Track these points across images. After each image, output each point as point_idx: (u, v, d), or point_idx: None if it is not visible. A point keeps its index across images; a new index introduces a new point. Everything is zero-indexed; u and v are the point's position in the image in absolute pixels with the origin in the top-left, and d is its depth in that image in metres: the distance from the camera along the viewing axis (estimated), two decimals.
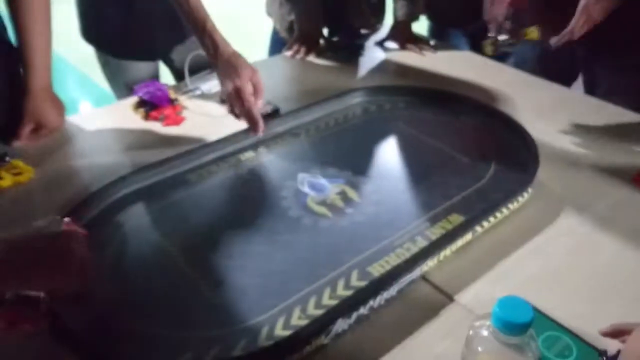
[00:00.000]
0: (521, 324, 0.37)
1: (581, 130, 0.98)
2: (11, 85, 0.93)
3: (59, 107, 0.96)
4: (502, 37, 1.02)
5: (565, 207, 0.79)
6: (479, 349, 0.40)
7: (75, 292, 0.54)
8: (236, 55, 0.92)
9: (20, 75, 0.93)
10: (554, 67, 1.16)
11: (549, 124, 0.99)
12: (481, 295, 0.64)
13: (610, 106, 1.04)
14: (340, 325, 0.58)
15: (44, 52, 0.91)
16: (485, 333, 0.39)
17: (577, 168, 0.87)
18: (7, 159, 0.84)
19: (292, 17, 1.33)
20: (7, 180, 0.81)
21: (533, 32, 0.99)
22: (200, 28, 0.92)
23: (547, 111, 1.04)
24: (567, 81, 1.20)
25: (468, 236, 0.71)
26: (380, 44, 1.35)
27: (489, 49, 1.00)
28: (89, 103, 2.67)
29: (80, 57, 1.32)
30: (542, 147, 0.88)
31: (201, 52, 0.96)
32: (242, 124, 0.93)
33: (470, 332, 0.41)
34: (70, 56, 2.73)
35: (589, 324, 0.59)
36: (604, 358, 0.46)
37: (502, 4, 1.00)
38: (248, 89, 0.89)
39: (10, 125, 0.92)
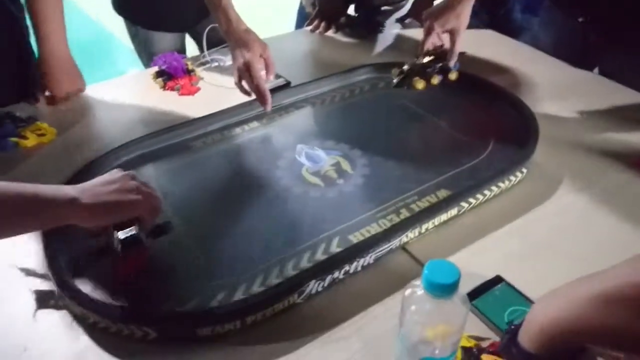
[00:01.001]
0: (446, 285, 0.39)
1: (591, 112, 0.96)
2: (18, 52, 0.99)
3: (74, 76, 1.01)
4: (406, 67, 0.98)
5: (560, 188, 0.79)
6: (412, 307, 0.42)
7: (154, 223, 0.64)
8: (248, 32, 0.95)
9: (27, 43, 0.99)
10: (568, 56, 1.13)
11: (559, 105, 0.98)
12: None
13: (627, 90, 1.01)
14: (314, 286, 0.61)
15: (54, 22, 0.96)
16: (420, 292, 0.42)
17: (579, 150, 0.86)
18: (34, 121, 0.92)
19: None
20: (32, 140, 0.88)
21: (419, 83, 0.96)
22: (216, 4, 0.96)
23: (560, 92, 1.02)
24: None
25: (453, 211, 0.72)
26: (401, 21, 1.34)
27: (420, 84, 0.95)
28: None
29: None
30: (547, 128, 0.87)
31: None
32: (252, 96, 0.96)
33: (407, 292, 0.43)
34: (118, 32, 2.85)
35: None
36: (511, 327, 0.47)
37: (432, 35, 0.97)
38: (257, 63, 0.92)
39: (21, 90, 0.99)
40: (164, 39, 1.33)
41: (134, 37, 1.36)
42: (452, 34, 0.97)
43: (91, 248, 0.64)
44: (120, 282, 0.62)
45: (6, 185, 0.53)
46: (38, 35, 0.95)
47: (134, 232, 0.60)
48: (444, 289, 0.40)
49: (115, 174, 0.62)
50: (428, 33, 0.97)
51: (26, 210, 0.54)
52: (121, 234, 0.60)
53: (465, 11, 0.96)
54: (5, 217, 0.52)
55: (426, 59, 0.98)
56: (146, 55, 1.35)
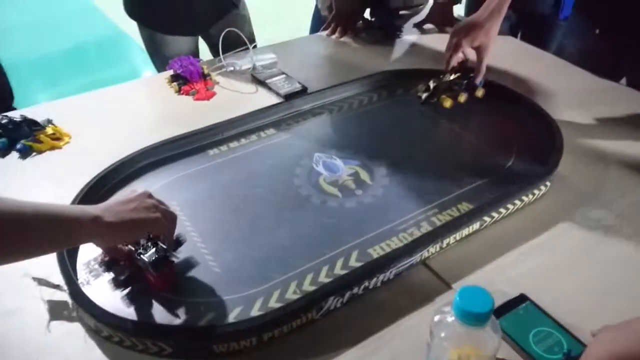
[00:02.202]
0: (480, 313, 0.37)
1: (617, 124, 0.94)
2: None
3: None
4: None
5: (584, 202, 0.76)
6: (442, 334, 0.41)
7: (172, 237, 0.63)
8: None
9: None
10: (594, 65, 1.10)
11: (584, 116, 0.95)
12: (479, 285, 0.64)
13: None
14: (332, 302, 0.60)
15: None
16: (449, 319, 0.40)
17: (605, 163, 0.84)
18: (50, 124, 0.91)
19: None
20: (47, 144, 0.87)
21: (446, 100, 0.93)
22: None
23: (584, 102, 1.00)
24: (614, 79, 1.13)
25: (475, 225, 0.70)
26: (419, 25, 1.32)
27: (446, 102, 0.93)
28: (150, 74, 2.79)
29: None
30: (571, 140, 0.85)
31: (235, 29, 0.98)
32: (268, 102, 0.95)
33: (436, 318, 0.41)
34: (133, 32, 2.87)
35: (586, 322, 0.58)
36: (568, 356, 0.45)
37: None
38: None
39: None
40: (177, 42, 1.32)
41: (146, 40, 1.35)
42: (480, 50, 0.94)
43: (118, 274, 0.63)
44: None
45: (31, 206, 0.53)
46: None
47: (158, 252, 0.60)
48: (476, 318, 0.38)
49: (131, 192, 0.62)
50: (455, 50, 0.94)
51: (51, 230, 0.54)
52: (147, 257, 0.60)
53: (494, 28, 0.93)
54: (31, 237, 0.52)
55: (452, 76, 0.96)
56: (159, 58, 1.34)
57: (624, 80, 1.14)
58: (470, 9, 1.48)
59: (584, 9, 1.17)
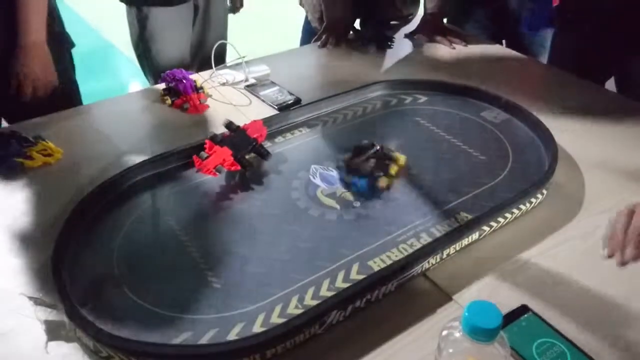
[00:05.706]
0: (489, 329, 0.37)
1: (610, 130, 0.95)
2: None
3: (47, 61, 1.03)
4: None
5: (582, 210, 0.77)
6: (450, 350, 0.40)
7: None
8: None
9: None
10: (585, 63, 1.12)
11: (577, 123, 0.96)
12: (481, 297, 0.64)
13: None
14: (335, 316, 0.59)
15: (37, 9, 0.98)
16: (457, 335, 0.40)
17: (601, 170, 0.85)
18: (40, 141, 0.89)
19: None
20: (38, 161, 0.86)
21: None
22: None
23: (576, 109, 1.01)
24: (601, 78, 1.15)
25: (474, 235, 0.70)
26: (410, 36, 1.33)
27: None
28: (138, 86, 2.78)
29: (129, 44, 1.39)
30: (566, 147, 0.86)
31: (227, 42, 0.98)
32: (262, 114, 0.94)
33: (444, 333, 0.41)
34: (119, 42, 2.86)
35: (588, 332, 0.58)
36: None
37: None
38: None
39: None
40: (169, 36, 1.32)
41: (136, 30, 1.34)
42: None
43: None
44: None
45: None
46: (20, 20, 0.96)
47: None
48: (485, 334, 0.38)
49: None
50: None
51: None
52: None
53: None
54: None
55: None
56: (150, 64, 1.34)
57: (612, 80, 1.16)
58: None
59: (571, 9, 1.18)
